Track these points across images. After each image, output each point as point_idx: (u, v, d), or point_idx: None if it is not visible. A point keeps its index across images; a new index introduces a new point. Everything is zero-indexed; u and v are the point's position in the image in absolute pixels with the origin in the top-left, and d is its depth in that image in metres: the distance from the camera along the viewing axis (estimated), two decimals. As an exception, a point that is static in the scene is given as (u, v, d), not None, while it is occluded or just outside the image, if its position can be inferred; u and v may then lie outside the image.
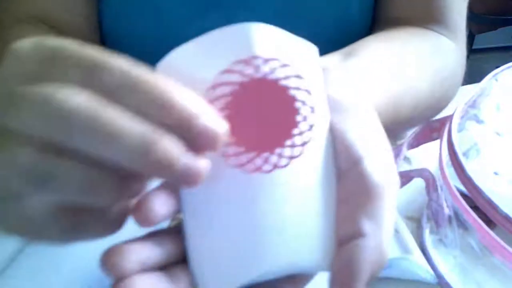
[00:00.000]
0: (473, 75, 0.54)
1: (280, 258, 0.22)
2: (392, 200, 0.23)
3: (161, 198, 0.22)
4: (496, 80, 0.47)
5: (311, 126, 0.23)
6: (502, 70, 0.47)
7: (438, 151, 0.42)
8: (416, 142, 0.49)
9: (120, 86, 0.20)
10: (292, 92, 0.23)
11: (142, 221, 0.21)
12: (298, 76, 0.23)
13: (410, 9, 0.49)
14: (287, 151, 0.23)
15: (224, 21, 0.25)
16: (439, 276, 0.41)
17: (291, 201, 0.23)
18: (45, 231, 0.22)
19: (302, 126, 0.23)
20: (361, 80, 0.32)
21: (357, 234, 0.22)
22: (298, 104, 0.23)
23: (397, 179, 0.24)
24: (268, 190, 0.22)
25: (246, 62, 0.22)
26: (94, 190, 0.20)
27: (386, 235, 0.22)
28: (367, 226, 0.22)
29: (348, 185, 0.23)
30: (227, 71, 0.22)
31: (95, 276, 0.39)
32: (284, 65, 0.23)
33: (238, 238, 0.22)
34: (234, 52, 0.22)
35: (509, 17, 1.88)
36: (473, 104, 0.45)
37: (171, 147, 0.20)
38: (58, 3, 0.49)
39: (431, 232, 0.44)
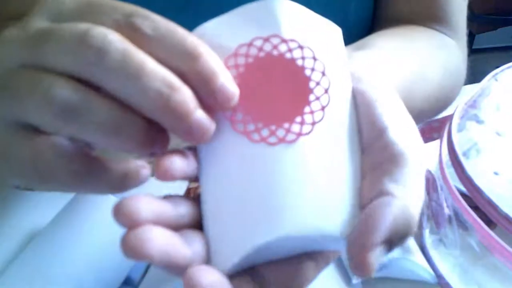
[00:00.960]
0: (473, 75, 0.54)
1: (298, 220, 0.21)
2: (420, 167, 0.23)
3: (182, 156, 0.23)
4: (496, 80, 0.47)
5: (323, 107, 0.24)
6: (502, 70, 0.47)
7: (438, 151, 0.42)
8: (416, 142, 0.49)
9: (153, 33, 0.21)
10: (307, 72, 0.24)
11: (162, 174, 0.21)
12: (314, 58, 0.24)
13: (410, 8, 0.49)
14: (295, 127, 0.23)
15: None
16: (439, 276, 0.41)
17: (310, 168, 0.23)
18: (55, 172, 0.22)
19: (314, 105, 0.24)
20: (375, 69, 0.32)
21: (383, 194, 0.21)
22: (312, 84, 0.24)
23: (423, 147, 0.24)
24: (284, 156, 0.23)
25: (266, 39, 0.24)
26: (119, 131, 0.21)
27: (414, 198, 0.22)
28: (393, 188, 0.21)
29: (374, 156, 0.23)
30: (247, 44, 0.24)
31: (95, 276, 0.39)
32: (302, 47, 0.24)
33: (251, 201, 0.22)
34: (258, 27, 0.24)
35: (509, 17, 1.88)
36: (473, 104, 0.45)
37: (189, 99, 0.21)
38: None
39: (431, 232, 0.44)
